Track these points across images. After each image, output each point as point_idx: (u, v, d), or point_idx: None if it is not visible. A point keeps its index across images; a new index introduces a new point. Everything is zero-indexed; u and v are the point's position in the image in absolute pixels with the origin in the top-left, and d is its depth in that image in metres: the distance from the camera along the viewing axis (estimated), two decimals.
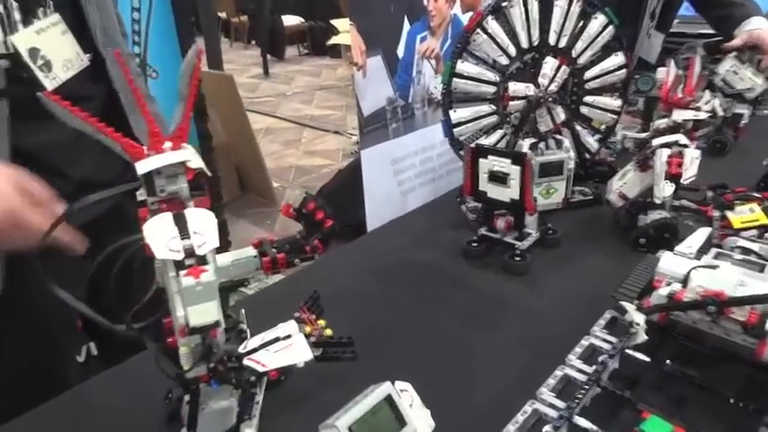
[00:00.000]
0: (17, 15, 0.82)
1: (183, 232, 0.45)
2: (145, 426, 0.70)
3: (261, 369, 0.52)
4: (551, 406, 0.70)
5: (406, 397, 0.60)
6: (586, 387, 0.71)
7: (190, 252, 0.44)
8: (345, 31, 6.08)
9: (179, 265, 0.45)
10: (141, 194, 0.48)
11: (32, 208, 0.78)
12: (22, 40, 0.83)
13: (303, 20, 9.08)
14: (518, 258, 1.08)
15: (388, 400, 0.57)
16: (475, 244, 1.14)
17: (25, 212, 0.78)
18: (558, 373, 0.75)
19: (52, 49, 0.86)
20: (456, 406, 0.75)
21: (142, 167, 0.45)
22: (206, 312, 0.46)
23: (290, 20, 8.91)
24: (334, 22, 6.96)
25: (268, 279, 0.82)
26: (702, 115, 1.09)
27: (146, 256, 0.47)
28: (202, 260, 0.45)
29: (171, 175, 0.46)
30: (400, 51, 2.27)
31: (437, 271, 1.10)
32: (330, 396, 0.73)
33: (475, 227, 1.16)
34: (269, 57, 8.06)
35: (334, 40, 6.74)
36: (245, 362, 0.53)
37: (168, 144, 0.47)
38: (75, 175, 0.93)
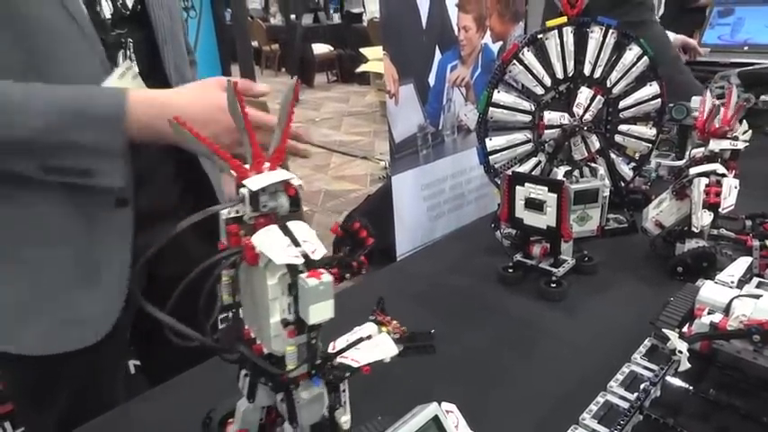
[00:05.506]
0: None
1: (294, 241, 0.49)
2: None
3: (355, 365, 0.56)
4: None
5: (452, 418, 0.61)
6: (629, 414, 0.71)
7: (306, 257, 0.48)
8: (374, 59, 6.22)
9: (293, 271, 0.48)
10: (229, 213, 0.51)
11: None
12: None
13: (332, 48, 9.32)
14: (554, 285, 1.08)
15: (436, 420, 0.58)
16: (510, 270, 1.15)
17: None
18: (600, 399, 0.75)
19: None
20: (497, 430, 0.76)
21: (253, 184, 0.49)
22: (325, 310, 0.49)
23: (320, 48, 9.17)
24: (362, 50, 7.12)
25: None
26: (740, 145, 1.09)
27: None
28: (313, 265, 0.49)
29: (272, 192, 0.50)
30: (431, 80, 2.33)
31: (473, 296, 1.11)
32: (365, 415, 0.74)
33: (510, 253, 1.18)
34: None
35: (362, 68, 6.88)
36: (339, 359, 0.57)
37: (267, 165, 0.51)
38: (140, 203, 0.95)
